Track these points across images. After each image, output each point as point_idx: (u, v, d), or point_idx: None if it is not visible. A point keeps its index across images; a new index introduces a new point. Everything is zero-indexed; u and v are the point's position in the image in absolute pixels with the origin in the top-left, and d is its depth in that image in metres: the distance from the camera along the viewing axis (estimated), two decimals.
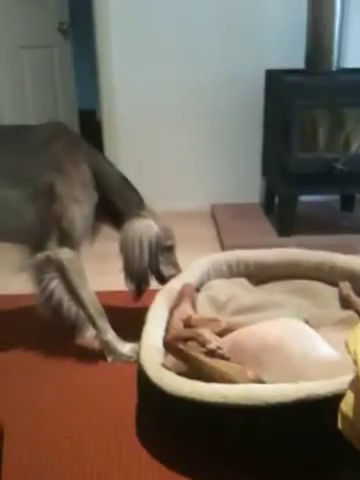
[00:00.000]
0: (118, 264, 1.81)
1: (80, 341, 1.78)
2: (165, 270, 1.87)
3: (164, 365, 1.42)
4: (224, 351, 1.37)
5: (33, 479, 1.31)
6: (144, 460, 1.36)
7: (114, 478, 1.31)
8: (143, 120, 3.24)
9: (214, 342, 1.38)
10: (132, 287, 1.84)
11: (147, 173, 3.28)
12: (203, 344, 1.39)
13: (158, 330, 1.57)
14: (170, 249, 1.87)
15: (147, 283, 1.84)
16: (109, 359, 1.75)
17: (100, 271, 1.85)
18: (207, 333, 1.42)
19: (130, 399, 1.58)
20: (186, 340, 1.41)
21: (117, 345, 1.74)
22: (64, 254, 1.68)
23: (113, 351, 1.74)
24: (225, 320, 1.56)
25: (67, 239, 1.68)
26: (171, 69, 3.16)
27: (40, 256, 1.68)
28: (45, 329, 1.83)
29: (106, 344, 1.75)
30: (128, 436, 1.45)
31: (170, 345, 1.43)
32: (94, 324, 1.75)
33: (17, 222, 1.69)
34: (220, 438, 1.32)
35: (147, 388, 1.40)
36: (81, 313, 1.74)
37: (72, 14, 3.69)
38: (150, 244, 1.78)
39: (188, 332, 1.44)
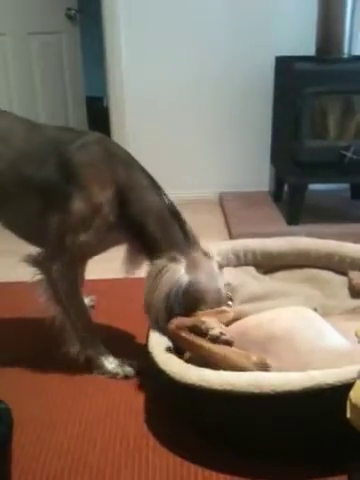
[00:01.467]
0: (122, 250, 1.78)
1: (64, 351, 1.67)
2: None
3: (172, 351, 1.42)
4: (228, 337, 1.37)
5: (42, 465, 1.32)
6: (152, 447, 1.37)
7: (122, 464, 1.31)
8: (151, 107, 3.23)
9: (217, 329, 1.38)
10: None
11: (155, 161, 3.25)
12: (206, 331, 1.39)
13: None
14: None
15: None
16: (94, 372, 1.67)
17: (105, 258, 1.82)
18: (210, 320, 1.42)
19: (138, 387, 1.59)
20: (190, 328, 1.41)
21: (103, 361, 1.66)
22: (56, 265, 1.58)
23: (98, 367, 1.67)
24: (233, 310, 1.56)
25: (64, 254, 1.58)
26: (180, 56, 3.13)
27: (35, 257, 1.62)
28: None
29: (91, 359, 1.67)
30: (136, 423, 1.45)
31: (174, 334, 1.43)
32: (80, 338, 1.66)
33: (24, 220, 1.65)
34: (228, 425, 1.33)
35: (155, 375, 1.40)
36: (68, 324, 1.64)
37: (80, 0, 3.67)
38: (168, 295, 1.48)
39: (191, 320, 1.44)
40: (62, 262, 1.59)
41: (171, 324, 1.44)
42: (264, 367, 1.29)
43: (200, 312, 1.51)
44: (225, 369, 1.31)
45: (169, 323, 1.44)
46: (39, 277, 1.62)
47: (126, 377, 1.62)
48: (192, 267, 1.51)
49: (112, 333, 1.88)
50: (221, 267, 1.63)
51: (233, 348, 1.37)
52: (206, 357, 1.36)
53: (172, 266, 1.49)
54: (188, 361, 1.39)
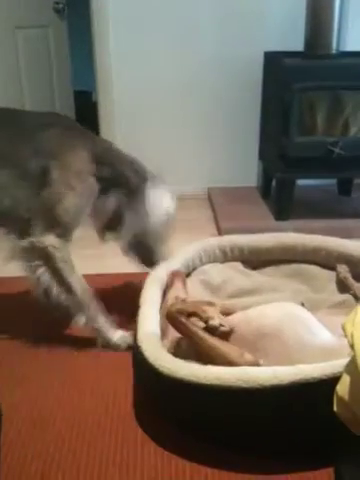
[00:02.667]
0: (112, 247, 1.79)
1: (72, 328, 1.76)
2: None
3: (161, 347, 1.42)
4: (227, 328, 1.37)
5: (30, 461, 1.31)
6: (141, 442, 1.37)
7: (111, 460, 1.31)
8: (139, 103, 3.21)
9: (217, 319, 1.39)
10: (147, 257, 1.87)
11: (143, 156, 3.24)
12: (206, 320, 1.39)
13: (154, 313, 1.57)
14: None
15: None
16: (99, 345, 1.74)
17: (94, 254, 1.83)
18: (211, 311, 1.42)
19: (128, 381, 1.58)
20: (189, 315, 1.42)
21: (107, 332, 1.74)
22: (49, 241, 1.63)
23: (103, 338, 1.74)
24: (220, 303, 1.56)
25: (55, 227, 1.64)
26: (168, 51, 3.12)
27: (24, 242, 1.64)
28: (42, 313, 1.81)
29: (96, 331, 1.74)
30: (125, 419, 1.45)
31: (173, 316, 1.43)
32: (84, 311, 1.72)
33: (1, 204, 1.66)
34: (216, 420, 1.33)
35: (144, 370, 1.40)
36: (71, 300, 1.70)
37: None
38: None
39: (193, 307, 1.45)
40: (54, 236, 1.64)
41: (172, 306, 1.46)
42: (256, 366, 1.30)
43: (188, 303, 1.53)
44: (215, 360, 1.32)
45: (171, 305, 1.49)
46: (35, 262, 1.65)
47: (129, 348, 1.65)
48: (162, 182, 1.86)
49: None
50: None
51: (227, 342, 1.38)
52: (198, 345, 1.37)
53: (161, 190, 1.85)
54: (174, 354, 1.39)
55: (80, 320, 1.72)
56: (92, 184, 1.70)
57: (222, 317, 1.43)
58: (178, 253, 1.95)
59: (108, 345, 1.74)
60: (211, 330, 1.38)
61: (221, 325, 1.38)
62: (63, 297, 1.69)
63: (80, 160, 1.67)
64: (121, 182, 1.77)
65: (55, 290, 1.68)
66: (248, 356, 1.31)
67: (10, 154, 1.63)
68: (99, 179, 1.71)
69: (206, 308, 1.44)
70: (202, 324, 1.41)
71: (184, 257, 1.94)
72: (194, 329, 1.39)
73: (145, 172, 1.84)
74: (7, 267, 1.66)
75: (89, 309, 1.72)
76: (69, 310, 1.71)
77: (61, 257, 1.66)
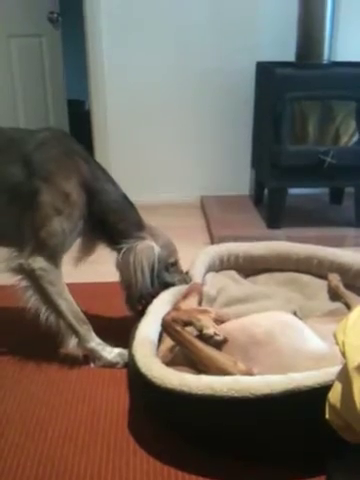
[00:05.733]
0: (111, 254, 1.79)
1: (63, 350, 1.72)
2: (170, 278, 1.80)
3: (154, 356, 1.43)
4: (221, 338, 1.38)
5: (23, 470, 1.31)
6: (133, 450, 1.36)
7: (103, 468, 1.31)
8: (132, 111, 3.23)
9: (212, 328, 1.40)
10: (132, 308, 1.78)
11: (136, 165, 3.27)
12: (201, 329, 1.40)
13: (154, 324, 1.57)
14: (174, 264, 1.82)
15: (148, 303, 1.73)
16: (93, 365, 1.71)
17: (92, 261, 1.82)
18: (206, 319, 1.43)
19: (120, 390, 1.59)
20: (184, 324, 1.43)
21: (102, 352, 1.70)
22: (37, 263, 1.61)
23: (98, 358, 1.70)
24: (214, 311, 1.57)
25: (43, 249, 1.61)
26: (162, 60, 3.14)
27: (13, 264, 1.63)
28: (35, 324, 1.80)
29: (90, 352, 1.71)
30: (117, 427, 1.45)
31: (168, 325, 1.44)
32: (75, 333, 1.69)
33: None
34: (209, 429, 1.33)
35: (137, 379, 1.40)
36: (60, 323, 1.68)
37: (62, 3, 3.64)
38: (152, 267, 1.72)
39: (188, 316, 1.45)
40: (43, 258, 1.62)
41: (167, 315, 1.46)
42: (249, 374, 1.30)
43: (182, 307, 1.53)
44: (209, 369, 1.32)
45: (166, 314, 1.48)
46: (24, 283, 1.64)
47: (127, 365, 1.61)
48: (155, 238, 1.74)
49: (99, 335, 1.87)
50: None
51: (221, 352, 1.38)
52: (193, 354, 1.37)
53: (144, 244, 1.71)
54: (168, 364, 1.39)
55: (70, 343, 1.69)
56: (81, 211, 1.66)
57: (216, 326, 1.43)
58: (193, 264, 1.96)
59: (103, 364, 1.70)
60: (205, 339, 1.39)
61: (216, 334, 1.39)
62: (52, 319, 1.67)
63: (72, 187, 1.63)
64: (104, 225, 1.72)
65: (43, 312, 1.66)
66: (241, 365, 1.31)
67: (5, 175, 1.61)
68: (88, 212, 1.68)
69: (200, 317, 1.44)
70: (197, 332, 1.42)
71: (197, 268, 1.96)
72: (189, 338, 1.39)
73: (132, 222, 1.75)
74: (2, 276, 1.65)
75: (80, 330, 1.69)
76: (58, 333, 1.68)
77: (49, 280, 1.63)
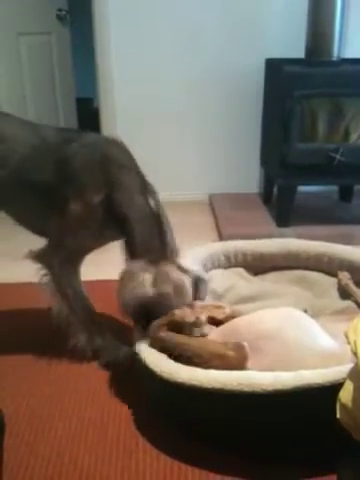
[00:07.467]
0: (116, 254, 1.78)
1: (72, 346, 1.71)
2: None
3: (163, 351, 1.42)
4: (203, 319, 1.39)
5: (32, 468, 1.32)
6: (142, 448, 1.37)
7: (113, 467, 1.31)
8: (141, 109, 3.23)
9: (191, 315, 1.40)
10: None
11: (145, 162, 3.25)
12: (182, 320, 1.40)
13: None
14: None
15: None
16: (101, 362, 1.71)
17: (97, 261, 1.82)
18: (179, 310, 1.44)
19: (128, 388, 1.59)
20: (168, 327, 1.42)
21: (112, 349, 1.71)
22: (56, 259, 1.66)
23: (108, 355, 1.71)
24: (230, 307, 1.57)
25: (63, 251, 1.67)
26: (170, 58, 3.13)
27: (37, 252, 1.68)
28: (43, 324, 1.81)
29: (99, 348, 1.72)
30: (127, 425, 1.45)
31: (156, 339, 1.42)
32: (86, 330, 1.70)
33: (32, 218, 1.74)
34: (219, 425, 1.33)
35: (145, 374, 1.40)
36: (72, 317, 1.70)
37: (71, 0, 3.66)
38: (141, 302, 1.49)
39: (165, 317, 1.45)
40: (62, 257, 1.66)
41: (150, 332, 1.45)
42: (241, 351, 1.31)
43: (199, 304, 1.53)
44: (203, 358, 1.32)
45: (148, 332, 1.45)
46: (43, 272, 1.69)
47: (135, 362, 1.58)
48: (160, 279, 1.49)
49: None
50: (199, 279, 1.59)
51: (209, 339, 1.39)
52: (188, 351, 1.37)
53: (141, 276, 1.49)
54: (176, 360, 1.39)
55: (80, 338, 1.70)
56: (105, 223, 1.61)
57: (195, 314, 1.44)
58: (187, 258, 1.93)
59: (112, 361, 1.70)
60: (192, 325, 1.40)
61: (197, 318, 1.40)
62: (63, 313, 1.69)
63: (98, 198, 1.59)
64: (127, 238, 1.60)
65: (56, 306, 1.69)
66: (231, 345, 1.32)
67: (43, 185, 1.65)
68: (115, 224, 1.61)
69: (174, 310, 1.44)
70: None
71: (192, 263, 1.94)
72: (177, 340, 1.39)
73: (153, 245, 1.56)
74: (10, 273, 1.66)
75: (90, 328, 1.71)
76: (70, 327, 1.70)
77: (64, 275, 1.68)
